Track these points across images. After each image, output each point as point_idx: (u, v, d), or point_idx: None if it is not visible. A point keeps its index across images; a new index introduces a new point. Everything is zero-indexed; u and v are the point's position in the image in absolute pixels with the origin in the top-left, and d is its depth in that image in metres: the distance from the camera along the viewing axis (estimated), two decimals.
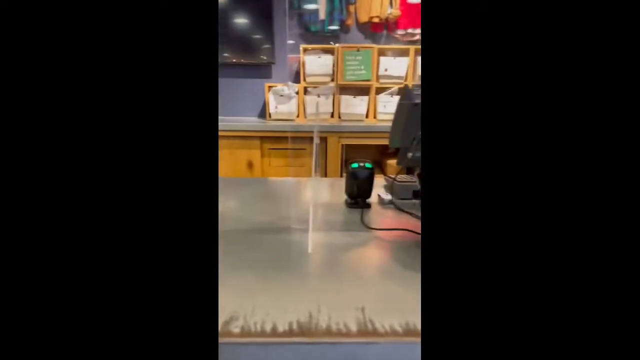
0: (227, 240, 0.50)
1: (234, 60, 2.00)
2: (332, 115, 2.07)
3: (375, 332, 0.31)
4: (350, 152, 1.81)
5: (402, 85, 1.55)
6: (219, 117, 1.91)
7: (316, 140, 0.51)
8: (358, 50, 1.97)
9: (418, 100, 0.53)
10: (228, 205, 0.67)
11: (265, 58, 2.04)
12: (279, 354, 0.30)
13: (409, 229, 0.55)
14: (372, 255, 0.48)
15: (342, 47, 1.98)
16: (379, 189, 0.81)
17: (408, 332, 0.31)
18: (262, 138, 1.79)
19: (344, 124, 1.89)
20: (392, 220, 0.61)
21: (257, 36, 2.01)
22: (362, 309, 0.34)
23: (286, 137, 1.77)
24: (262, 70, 2.13)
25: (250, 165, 1.82)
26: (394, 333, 0.31)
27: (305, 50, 2.00)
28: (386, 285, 0.40)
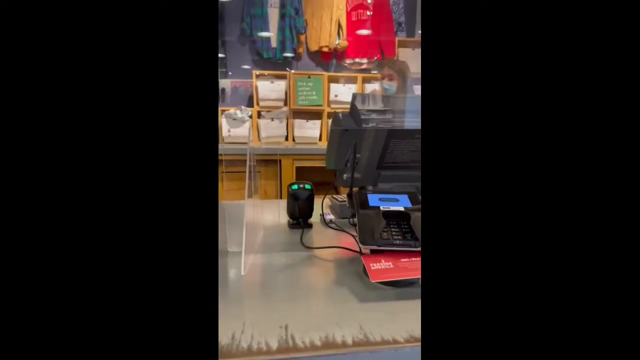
0: None
1: None
2: (286, 138, 2.11)
3: (295, 348, 0.32)
4: (304, 173, 1.85)
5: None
6: None
7: (250, 163, 0.53)
8: (309, 77, 2.07)
9: (347, 127, 0.58)
10: None
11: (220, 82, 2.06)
12: None
13: (344, 246, 0.57)
14: (306, 273, 0.50)
15: (294, 73, 2.06)
16: (325, 208, 0.84)
17: (327, 344, 0.33)
18: None
19: (298, 146, 1.93)
20: (331, 239, 0.64)
21: None
22: (286, 327, 0.35)
23: (239, 161, 1.76)
24: None
25: None
26: (312, 347, 0.33)
27: (258, 75, 2.05)
28: (314, 301, 0.41)
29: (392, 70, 1.53)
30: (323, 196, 0.67)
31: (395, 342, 0.34)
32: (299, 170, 1.85)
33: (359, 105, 0.58)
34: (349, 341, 0.34)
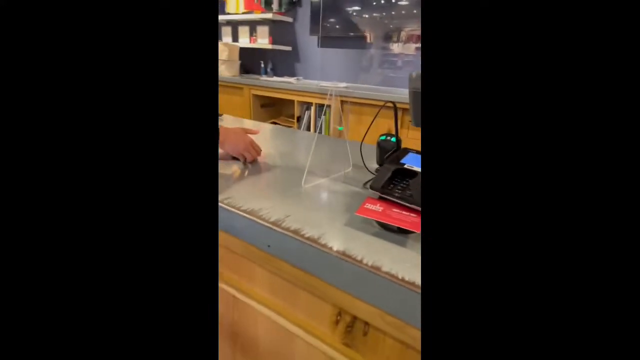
0: None
1: None
2: None
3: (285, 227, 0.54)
4: None
5: None
6: None
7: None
8: None
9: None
10: None
11: None
12: None
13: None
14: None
15: None
16: None
17: (312, 239, 0.52)
18: None
19: None
20: None
21: None
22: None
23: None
24: None
25: None
26: (296, 233, 0.53)
27: None
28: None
29: None
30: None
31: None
32: None
33: None
34: (335, 247, 0.46)
